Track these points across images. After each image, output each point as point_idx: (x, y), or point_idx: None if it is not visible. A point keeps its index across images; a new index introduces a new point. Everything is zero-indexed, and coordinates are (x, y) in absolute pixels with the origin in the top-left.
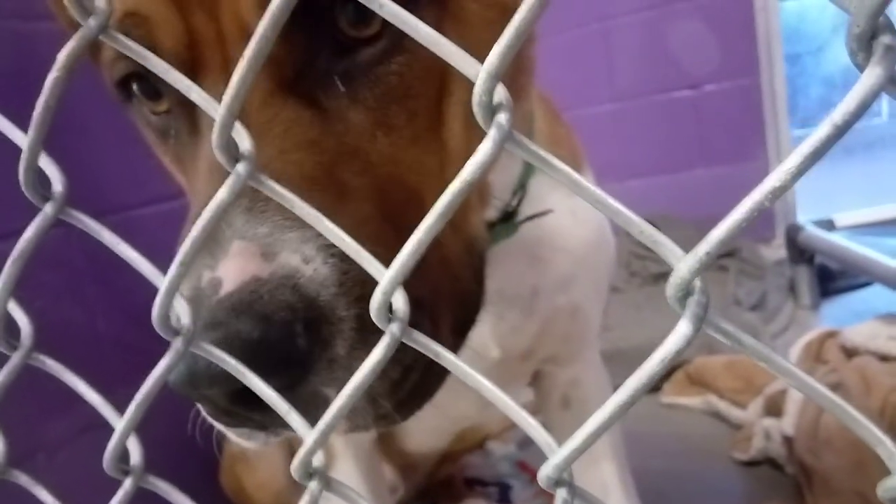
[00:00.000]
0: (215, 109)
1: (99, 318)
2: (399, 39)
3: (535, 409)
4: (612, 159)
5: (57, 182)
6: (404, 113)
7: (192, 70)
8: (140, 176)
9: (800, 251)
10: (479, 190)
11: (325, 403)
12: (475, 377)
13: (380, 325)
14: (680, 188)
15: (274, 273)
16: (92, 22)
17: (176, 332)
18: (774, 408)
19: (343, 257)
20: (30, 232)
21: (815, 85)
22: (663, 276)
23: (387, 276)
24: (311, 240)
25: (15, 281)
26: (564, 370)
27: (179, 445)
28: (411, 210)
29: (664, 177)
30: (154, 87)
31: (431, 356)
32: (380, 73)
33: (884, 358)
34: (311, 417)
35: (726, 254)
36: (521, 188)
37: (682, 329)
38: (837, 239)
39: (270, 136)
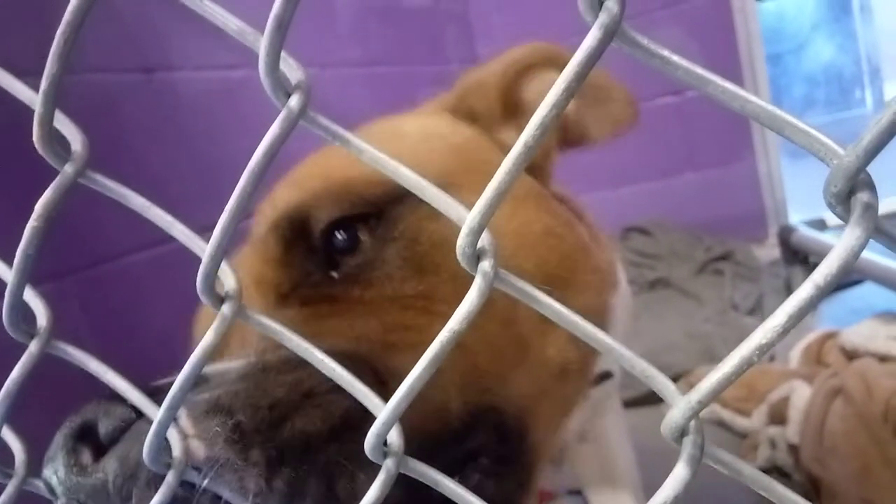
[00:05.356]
0: (201, 249)
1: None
2: (383, 242)
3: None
4: (601, 167)
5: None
6: (397, 291)
7: None
8: (132, 221)
9: (793, 252)
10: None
11: None
12: None
13: (375, 460)
14: (670, 193)
15: None
16: (69, 168)
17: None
18: (778, 415)
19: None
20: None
21: (797, 83)
22: (660, 281)
23: (385, 412)
24: None
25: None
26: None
27: None
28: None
29: (654, 183)
30: None
31: (430, 483)
32: (369, 273)
33: (883, 359)
34: None
35: (721, 257)
36: None
37: (680, 473)
38: (830, 239)
39: (271, 341)
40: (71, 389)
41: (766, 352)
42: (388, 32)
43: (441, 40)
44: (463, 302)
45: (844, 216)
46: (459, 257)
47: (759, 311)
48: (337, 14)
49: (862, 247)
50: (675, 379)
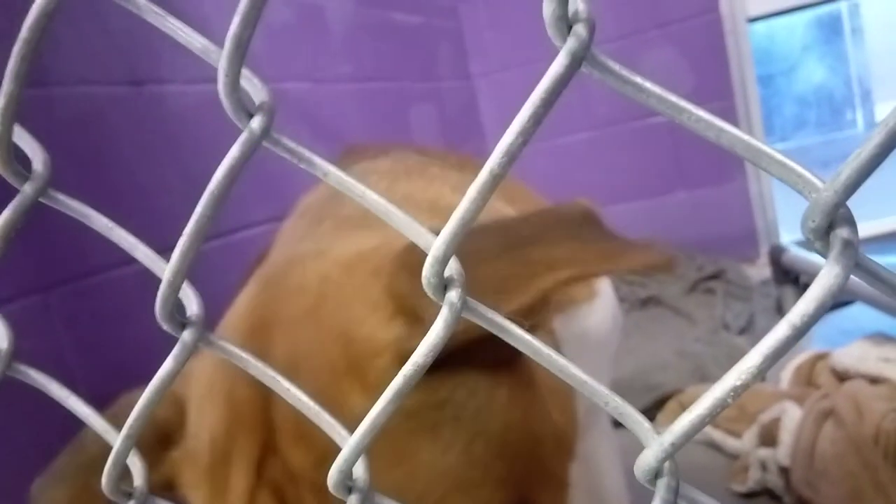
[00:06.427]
0: (163, 272)
1: (79, 382)
2: None
3: None
4: (592, 186)
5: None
6: None
7: None
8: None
9: (784, 271)
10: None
11: None
12: None
13: (339, 496)
14: (661, 212)
15: None
16: (28, 188)
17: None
18: (769, 437)
19: None
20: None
21: (788, 104)
22: (651, 300)
23: (349, 445)
24: None
25: None
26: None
27: None
28: None
29: (645, 201)
30: None
31: None
32: None
33: (874, 380)
34: None
35: (713, 276)
36: None
37: None
38: (820, 259)
39: None
40: (47, 411)
41: (740, 393)
42: (381, 49)
43: (434, 57)
44: (428, 334)
45: (823, 252)
46: (425, 287)
47: (750, 331)
48: (331, 30)
49: (841, 286)
50: (665, 398)
